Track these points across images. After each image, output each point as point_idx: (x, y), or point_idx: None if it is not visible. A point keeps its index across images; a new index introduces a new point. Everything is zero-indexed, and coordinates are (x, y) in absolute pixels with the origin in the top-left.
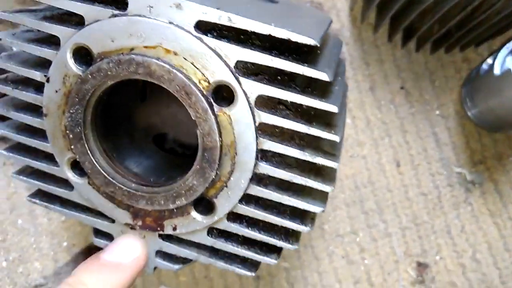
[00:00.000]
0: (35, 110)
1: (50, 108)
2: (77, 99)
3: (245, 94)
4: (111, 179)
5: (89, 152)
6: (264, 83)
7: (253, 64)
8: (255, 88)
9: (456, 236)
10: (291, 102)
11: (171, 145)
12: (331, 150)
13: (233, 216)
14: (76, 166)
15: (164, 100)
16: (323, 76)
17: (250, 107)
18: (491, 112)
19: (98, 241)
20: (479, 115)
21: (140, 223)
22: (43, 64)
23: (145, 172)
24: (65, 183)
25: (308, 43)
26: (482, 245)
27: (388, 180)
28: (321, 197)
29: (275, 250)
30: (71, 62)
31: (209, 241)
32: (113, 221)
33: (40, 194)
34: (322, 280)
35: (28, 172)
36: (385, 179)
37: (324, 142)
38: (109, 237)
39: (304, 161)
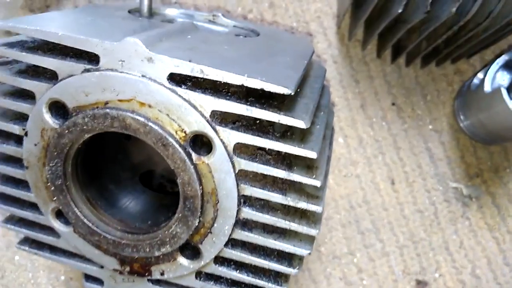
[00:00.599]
0: (18, 161)
1: (31, 161)
2: (55, 153)
3: (223, 143)
4: (95, 228)
5: (71, 202)
6: (242, 131)
7: (229, 113)
8: (233, 137)
9: (455, 252)
10: (269, 148)
11: (159, 180)
12: (314, 192)
13: (220, 260)
14: (61, 214)
15: None
16: (300, 123)
17: (228, 155)
18: (483, 126)
19: (89, 286)
20: (472, 128)
21: (128, 269)
22: (22, 117)
23: (131, 217)
24: (52, 231)
25: (282, 92)
26: (481, 260)
27: (383, 198)
28: (307, 238)
29: None
30: (47, 116)
31: (198, 284)
32: (102, 266)
33: (29, 241)
34: None
35: (15, 219)
36: (380, 197)
37: (307, 185)
38: (100, 282)
39: (287, 205)
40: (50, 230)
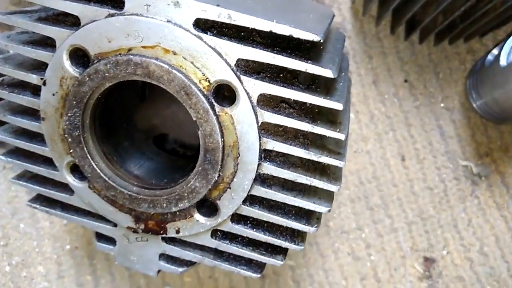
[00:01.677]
0: (33, 114)
1: (48, 112)
2: (75, 102)
3: (247, 93)
4: (111, 183)
5: (88, 155)
6: (266, 82)
7: (254, 62)
8: (257, 87)
9: (463, 230)
10: (294, 100)
11: (172, 145)
12: (336, 148)
13: (237, 218)
14: (76, 170)
15: (164, 100)
16: (327, 73)
17: (252, 107)
18: (496, 104)
19: (101, 245)
20: (484, 106)
21: (142, 226)
22: (40, 67)
23: (147, 175)
24: (66, 187)
25: (312, 39)
26: (489, 238)
27: (393, 174)
28: (327, 196)
29: (281, 251)
30: (67, 64)
31: (213, 243)
32: (115, 225)
33: (41, 199)
34: (328, 277)
35: (28, 176)
36: (390, 174)
37: (329, 140)
38: (112, 241)
39: (309, 160)
40: (63, 187)
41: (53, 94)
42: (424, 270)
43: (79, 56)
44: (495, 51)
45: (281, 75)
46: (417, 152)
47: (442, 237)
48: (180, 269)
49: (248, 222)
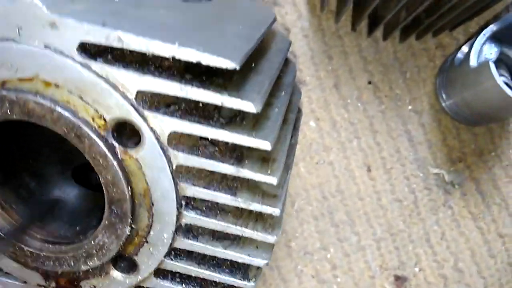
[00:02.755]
0: None
1: None
2: None
3: (154, 132)
4: (3, 236)
5: None
6: (177, 117)
7: (159, 94)
8: (166, 124)
9: (436, 244)
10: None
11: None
12: (271, 190)
13: (162, 273)
14: None
15: None
16: (248, 106)
17: (162, 148)
18: (467, 105)
19: None
20: (455, 108)
21: (53, 284)
22: None
23: (57, 222)
24: None
25: (225, 66)
26: (464, 253)
27: (358, 187)
28: (265, 245)
29: None
30: None
31: None
32: (24, 281)
33: None
34: None
35: None
36: (355, 186)
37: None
38: None
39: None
40: None
41: None
42: None
43: None
44: (465, 48)
45: (198, 107)
46: (384, 161)
47: (413, 253)
48: None
49: (177, 275)
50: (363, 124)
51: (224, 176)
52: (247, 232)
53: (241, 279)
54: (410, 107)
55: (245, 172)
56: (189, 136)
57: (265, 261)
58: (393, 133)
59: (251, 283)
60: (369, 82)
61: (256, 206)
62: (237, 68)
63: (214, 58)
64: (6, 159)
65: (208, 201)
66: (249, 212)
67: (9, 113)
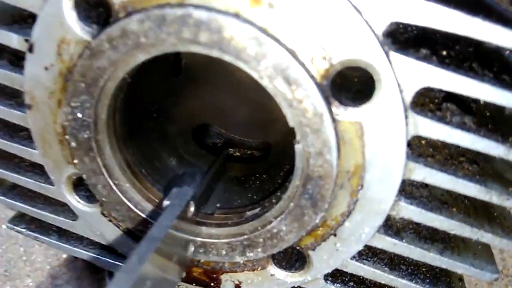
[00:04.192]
0: (13, 95)
1: (37, 96)
2: (83, 85)
3: (398, 84)
4: (139, 212)
5: (103, 169)
6: (436, 65)
7: (418, 32)
8: (419, 73)
9: None
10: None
11: (213, 139)
12: None
13: (335, 275)
14: (81, 184)
15: (202, 74)
16: None
17: (404, 107)
18: None
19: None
20: None
21: (183, 274)
22: (24, 19)
23: (189, 196)
24: (65, 207)
25: None
26: None
27: None
28: (485, 252)
29: None
30: (71, 16)
31: None
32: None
33: (27, 220)
34: None
35: (6, 186)
36: None
37: (504, 161)
38: None
39: (463, 197)
40: (61, 206)
41: (46, 68)
42: None
43: (92, 5)
44: None
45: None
46: None
47: None
48: None
49: (350, 280)
50: None
51: (462, 157)
52: (487, 237)
53: None
54: None
55: None
56: (434, 97)
57: (496, 276)
58: None
59: None
60: None
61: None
62: None
63: None
64: (132, 110)
65: (425, 188)
66: (474, 209)
67: (192, 40)
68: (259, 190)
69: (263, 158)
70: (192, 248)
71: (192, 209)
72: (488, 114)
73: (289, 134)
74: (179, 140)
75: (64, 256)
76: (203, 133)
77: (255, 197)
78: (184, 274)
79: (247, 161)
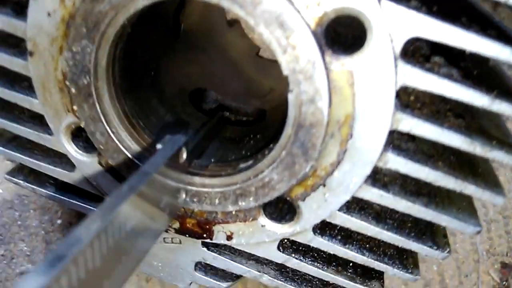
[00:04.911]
0: (15, 44)
1: (39, 43)
2: (85, 29)
3: (389, 34)
4: (135, 161)
5: (101, 116)
6: (426, 14)
7: None
8: (410, 22)
9: None
10: (459, 53)
11: (211, 105)
12: (500, 134)
13: (323, 227)
14: (79, 135)
15: (202, 40)
16: None
17: (394, 56)
18: None
19: None
20: None
21: (176, 225)
22: None
23: (185, 150)
24: (63, 159)
25: None
26: None
27: None
28: (468, 206)
29: (376, 276)
30: None
31: (280, 257)
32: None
33: (25, 171)
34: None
35: (6, 138)
36: None
37: (489, 122)
38: None
39: (447, 150)
40: (60, 157)
41: (49, 14)
42: (500, 279)
43: None
44: None
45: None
46: None
47: None
48: (224, 285)
49: (338, 233)
50: None
51: (439, 109)
52: (470, 189)
53: (431, 246)
54: None
55: (502, 107)
56: (421, 48)
57: (478, 229)
58: None
59: (445, 253)
60: None
61: (497, 156)
62: None
63: None
64: (132, 63)
65: (412, 141)
66: (459, 163)
67: None
68: (253, 148)
69: (257, 121)
70: (183, 196)
71: (184, 155)
72: (474, 70)
73: (285, 101)
74: (176, 100)
75: (59, 221)
76: (200, 97)
77: (249, 153)
78: (176, 225)
79: (242, 124)
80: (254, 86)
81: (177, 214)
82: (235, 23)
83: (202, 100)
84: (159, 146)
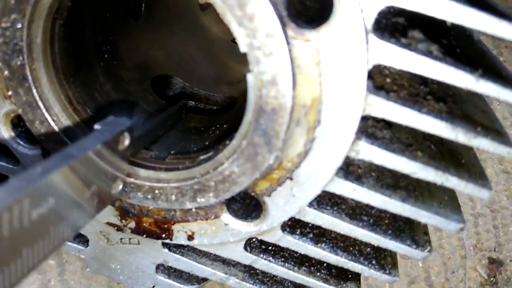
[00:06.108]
0: None
1: None
2: (13, 0)
3: (359, 2)
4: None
5: (40, 102)
6: None
7: None
8: None
9: None
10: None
11: (177, 91)
12: (489, 122)
13: (292, 225)
14: (22, 126)
15: (170, 22)
16: None
17: (365, 30)
18: None
19: (67, 245)
20: None
21: (132, 225)
22: None
23: (141, 141)
24: (5, 152)
25: None
26: None
27: None
28: (451, 199)
29: (352, 277)
30: None
31: (247, 258)
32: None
33: None
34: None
35: None
36: None
37: (474, 108)
38: (83, 240)
39: (427, 138)
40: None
41: None
42: (488, 275)
43: None
44: None
45: None
46: None
47: None
48: None
49: (309, 232)
50: None
51: (428, 95)
52: (452, 181)
53: (411, 245)
54: None
55: (488, 87)
56: (392, 22)
57: (461, 225)
58: None
59: (425, 253)
60: None
61: (482, 143)
62: None
63: None
64: (78, 42)
65: (387, 128)
66: (440, 153)
67: None
68: (217, 139)
69: (226, 110)
70: (120, 187)
71: (126, 142)
72: (457, 47)
73: None
74: (135, 87)
75: None
76: (164, 84)
77: (211, 144)
78: (132, 225)
79: (210, 113)
80: (226, 73)
81: (111, 202)
82: (208, 7)
83: (167, 88)
84: (97, 126)
